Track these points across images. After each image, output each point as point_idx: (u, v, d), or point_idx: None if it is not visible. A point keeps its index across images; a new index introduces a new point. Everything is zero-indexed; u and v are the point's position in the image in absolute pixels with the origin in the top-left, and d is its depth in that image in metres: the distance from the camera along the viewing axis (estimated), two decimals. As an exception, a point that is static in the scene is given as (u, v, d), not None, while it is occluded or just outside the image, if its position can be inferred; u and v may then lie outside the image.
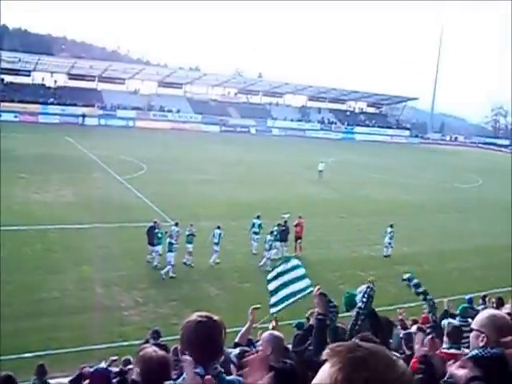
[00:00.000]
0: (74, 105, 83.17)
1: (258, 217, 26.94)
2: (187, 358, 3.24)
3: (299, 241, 27.08)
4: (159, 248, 23.42)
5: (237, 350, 5.46)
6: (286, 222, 26.70)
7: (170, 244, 22.65)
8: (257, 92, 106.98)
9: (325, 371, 1.57)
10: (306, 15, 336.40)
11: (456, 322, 9.70)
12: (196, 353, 3.30)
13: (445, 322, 9.06)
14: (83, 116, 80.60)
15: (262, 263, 24.38)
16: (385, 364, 1.55)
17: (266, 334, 5.74)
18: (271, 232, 25.31)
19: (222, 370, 3.41)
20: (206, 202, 34.93)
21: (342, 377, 1.51)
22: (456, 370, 3.23)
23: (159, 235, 23.45)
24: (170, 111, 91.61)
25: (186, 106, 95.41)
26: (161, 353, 4.20)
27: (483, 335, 3.46)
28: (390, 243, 27.89)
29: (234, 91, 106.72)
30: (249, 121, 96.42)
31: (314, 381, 1.59)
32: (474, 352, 3.44)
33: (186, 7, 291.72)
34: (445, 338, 6.31)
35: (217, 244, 24.50)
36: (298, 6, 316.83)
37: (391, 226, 28.10)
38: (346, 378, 1.51)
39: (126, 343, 15.80)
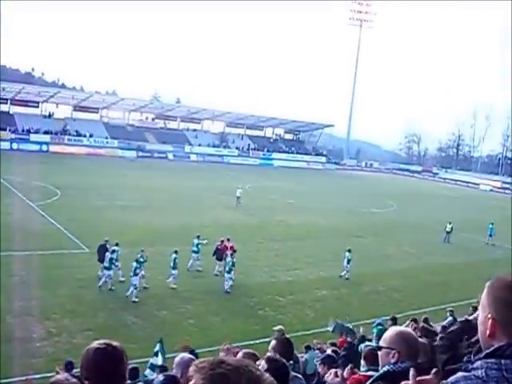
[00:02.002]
0: (-16, 129, 79.79)
1: (198, 237, 28.12)
2: None
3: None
4: (111, 272, 23.90)
5: (161, 377, 5.36)
6: (222, 241, 27.95)
7: (136, 268, 23.09)
8: (174, 118, 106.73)
9: None
10: (222, 42, 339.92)
11: (374, 344, 9.86)
12: (95, 382, 3.19)
13: (361, 346, 9.21)
14: (-6, 140, 77.48)
15: (227, 287, 25.15)
16: (247, 379, 1.51)
17: (177, 359, 5.74)
18: (231, 254, 26.13)
19: None
20: (123, 228, 34.23)
21: None
22: None
23: (113, 260, 24.10)
24: (84, 136, 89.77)
25: (102, 130, 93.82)
26: (73, 380, 4.12)
27: (394, 351, 3.49)
28: (346, 266, 29.06)
29: (152, 116, 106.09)
30: (166, 146, 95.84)
31: None
32: (386, 368, 3.47)
33: (103, 28, 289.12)
34: (362, 362, 6.39)
35: (173, 268, 25.08)
36: (214, 31, 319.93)
37: (349, 251, 29.24)
38: None
39: (37, 376, 15.13)
